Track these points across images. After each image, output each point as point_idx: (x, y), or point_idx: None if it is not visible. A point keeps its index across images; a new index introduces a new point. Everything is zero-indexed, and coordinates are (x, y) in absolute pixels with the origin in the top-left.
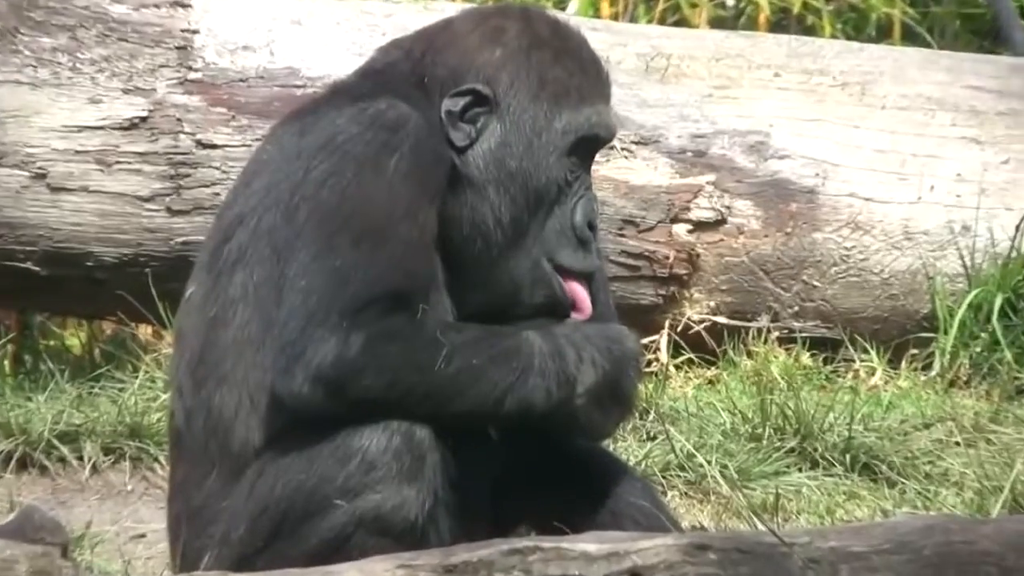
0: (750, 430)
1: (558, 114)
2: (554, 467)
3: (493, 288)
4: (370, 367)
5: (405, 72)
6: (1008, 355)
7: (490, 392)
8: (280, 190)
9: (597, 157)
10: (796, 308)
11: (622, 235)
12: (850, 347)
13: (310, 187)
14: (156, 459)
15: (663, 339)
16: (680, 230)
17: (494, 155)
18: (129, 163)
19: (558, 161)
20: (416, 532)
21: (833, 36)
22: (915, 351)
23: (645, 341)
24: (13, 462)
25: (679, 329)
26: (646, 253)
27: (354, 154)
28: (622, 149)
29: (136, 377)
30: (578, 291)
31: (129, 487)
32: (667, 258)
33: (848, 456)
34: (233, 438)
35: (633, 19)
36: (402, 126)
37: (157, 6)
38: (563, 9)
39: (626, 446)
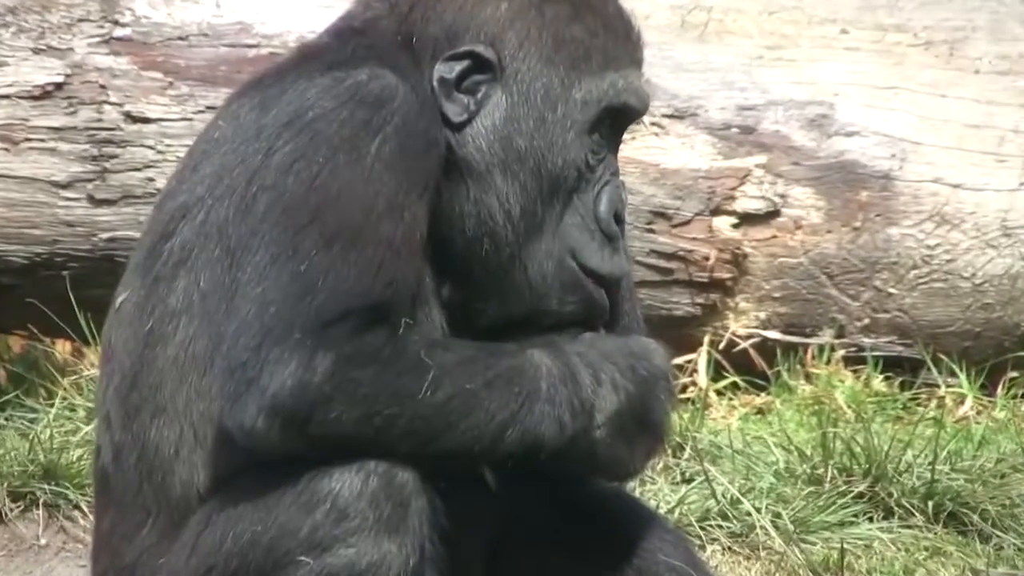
0: (809, 471)
1: (577, 81)
2: (565, 515)
3: (509, 296)
4: (340, 395)
5: (390, 31)
6: None
7: (487, 424)
8: (235, 176)
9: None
10: (867, 320)
11: (651, 230)
12: (933, 369)
13: (272, 173)
14: (76, 506)
15: (702, 358)
16: (723, 224)
17: (499, 133)
18: (42, 141)
19: (578, 139)
20: None
21: None
22: (1015, 374)
23: (680, 360)
24: None
25: (721, 346)
26: (681, 253)
27: (327, 135)
28: (651, 124)
29: (51, 405)
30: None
31: (43, 540)
32: (707, 259)
33: (930, 503)
34: (173, 480)
35: None
36: (387, 102)
37: None
38: None
39: (656, 489)
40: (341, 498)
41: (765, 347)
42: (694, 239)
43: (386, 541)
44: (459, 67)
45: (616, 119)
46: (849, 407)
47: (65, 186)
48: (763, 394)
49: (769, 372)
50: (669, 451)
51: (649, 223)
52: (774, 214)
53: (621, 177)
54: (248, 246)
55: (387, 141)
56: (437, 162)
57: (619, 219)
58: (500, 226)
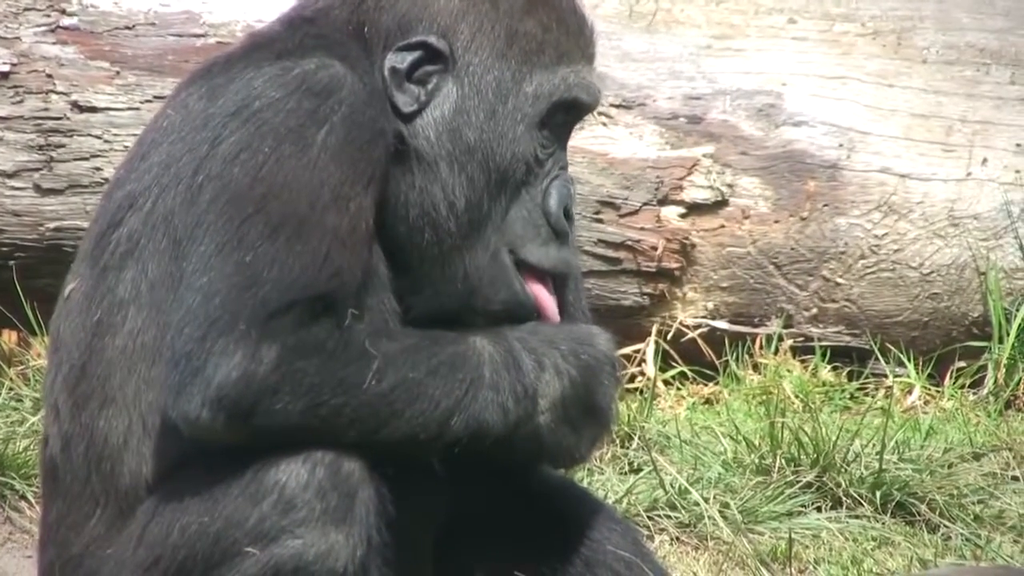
0: (757, 461)
1: (529, 75)
2: (513, 505)
3: (442, 290)
4: (285, 386)
5: (341, 20)
6: None
7: (432, 412)
8: (181, 166)
9: None
10: (814, 310)
11: (599, 220)
12: (881, 359)
13: (217, 163)
14: (23, 496)
15: (650, 348)
16: (671, 214)
17: (448, 124)
18: None
19: (527, 133)
20: None
21: None
22: (962, 364)
23: (628, 350)
24: None
25: (669, 336)
26: (629, 242)
27: (273, 124)
28: (599, 114)
29: None
30: (541, 295)
31: None
32: (655, 248)
33: (878, 493)
34: (121, 471)
35: None
36: (334, 92)
37: None
38: None
39: (604, 479)
40: (288, 489)
41: (713, 337)
42: (642, 229)
43: (333, 531)
44: (411, 57)
45: (567, 114)
46: (797, 397)
47: (11, 175)
48: (711, 384)
49: (717, 362)
50: (617, 441)
51: (597, 213)
52: (722, 204)
53: (570, 170)
54: (194, 236)
55: (333, 131)
56: (384, 152)
57: (568, 214)
58: (443, 217)
